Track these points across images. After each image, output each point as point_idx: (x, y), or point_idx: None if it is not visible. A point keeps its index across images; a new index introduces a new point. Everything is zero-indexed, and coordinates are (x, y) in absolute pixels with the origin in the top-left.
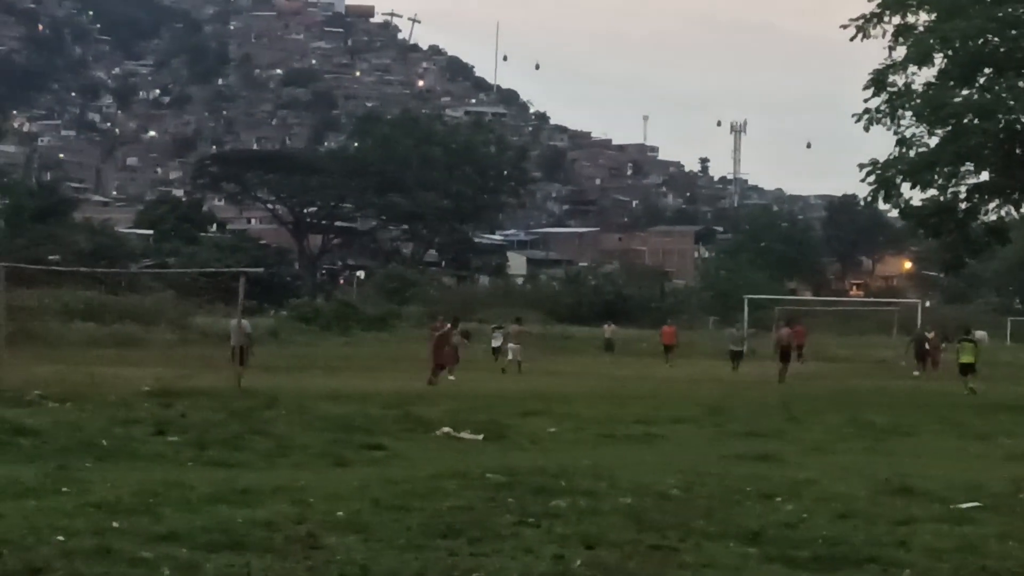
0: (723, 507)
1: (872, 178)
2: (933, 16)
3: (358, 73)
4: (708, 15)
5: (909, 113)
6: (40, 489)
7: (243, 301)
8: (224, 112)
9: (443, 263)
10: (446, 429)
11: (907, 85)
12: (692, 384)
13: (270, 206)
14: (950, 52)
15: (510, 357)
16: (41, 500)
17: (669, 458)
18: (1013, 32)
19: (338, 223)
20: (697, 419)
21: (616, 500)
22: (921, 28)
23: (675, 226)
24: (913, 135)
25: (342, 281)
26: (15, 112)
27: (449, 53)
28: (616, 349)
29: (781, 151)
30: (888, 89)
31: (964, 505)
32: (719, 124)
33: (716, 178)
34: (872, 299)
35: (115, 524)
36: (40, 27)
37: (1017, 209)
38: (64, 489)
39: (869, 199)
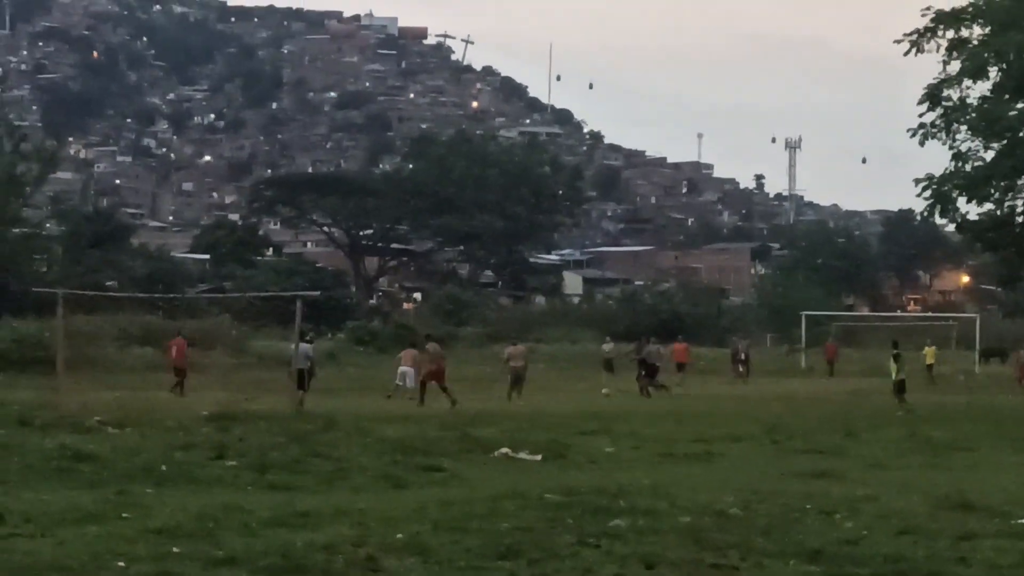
0: (783, 525)
1: (928, 193)
2: (987, 30)
3: (412, 95)
4: (760, 32)
5: (964, 127)
6: (100, 515)
7: (300, 324)
8: (279, 136)
9: (499, 284)
10: (504, 450)
11: (962, 99)
12: (749, 402)
13: (326, 229)
14: (1004, 65)
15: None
16: (102, 526)
17: (728, 476)
18: None
19: (394, 245)
20: (755, 437)
21: (675, 519)
22: (975, 42)
23: (731, 243)
24: (969, 149)
25: (408, 306)
26: (71, 139)
27: (503, 74)
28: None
29: (836, 167)
30: (943, 103)
31: None
32: (773, 140)
33: (771, 195)
34: (930, 314)
35: (175, 549)
36: (95, 54)
37: None
38: (124, 515)
39: (925, 214)
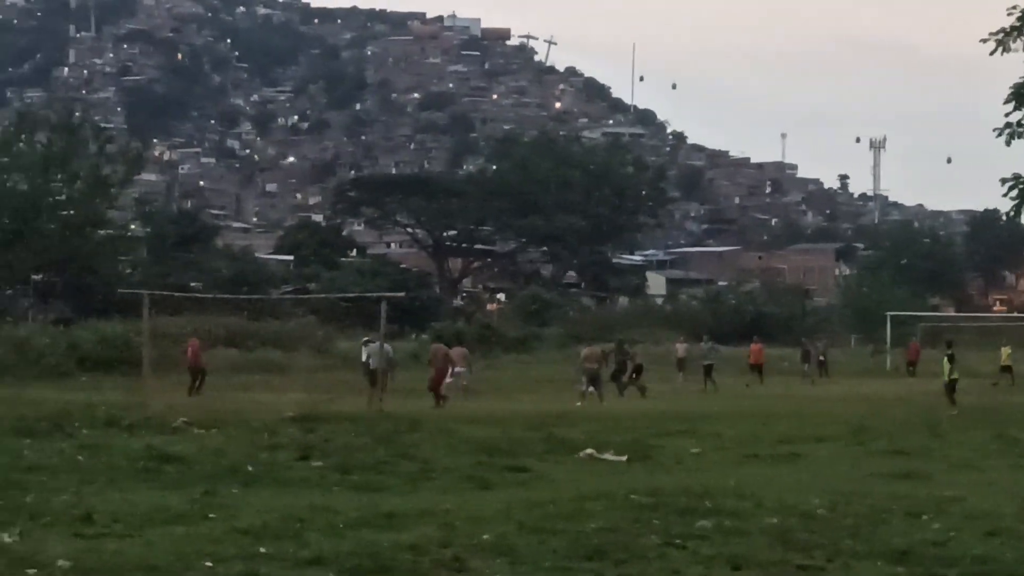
0: (870, 526)
1: (1014, 192)
2: None
3: (495, 96)
4: (842, 32)
5: None
6: (187, 515)
7: (385, 325)
8: (362, 137)
9: (582, 284)
10: (589, 450)
11: None
12: (835, 402)
13: (409, 230)
14: None
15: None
16: (189, 526)
17: (814, 477)
18: None
19: (477, 246)
20: (841, 437)
21: (762, 520)
22: None
23: (815, 244)
24: None
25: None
26: (156, 141)
27: (585, 74)
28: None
29: (921, 167)
30: None
31: None
32: (858, 141)
33: (856, 195)
34: (1016, 314)
35: (262, 549)
36: (179, 56)
37: None
38: (211, 515)
39: (1012, 213)
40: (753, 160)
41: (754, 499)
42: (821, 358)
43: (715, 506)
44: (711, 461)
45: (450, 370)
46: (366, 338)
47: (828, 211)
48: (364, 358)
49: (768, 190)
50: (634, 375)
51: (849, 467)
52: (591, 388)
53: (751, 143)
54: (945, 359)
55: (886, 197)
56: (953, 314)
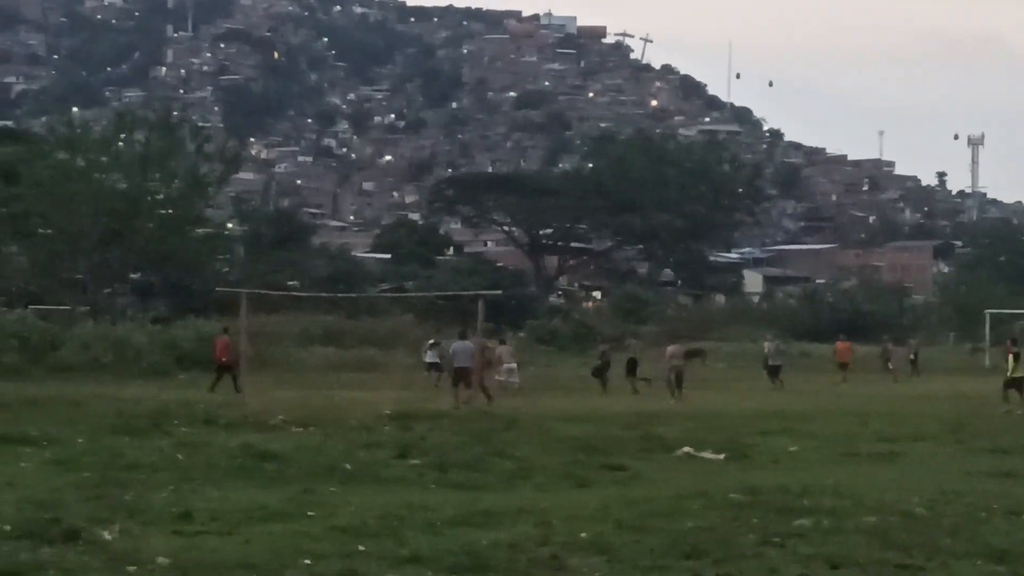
0: (969, 525)
1: None
2: None
3: (591, 94)
4: (939, 28)
5: None
6: (286, 513)
7: (482, 323)
8: (459, 135)
9: (679, 282)
10: (687, 449)
11: None
12: (932, 401)
13: (506, 228)
14: None
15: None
16: (287, 524)
17: (912, 476)
18: None
19: (573, 244)
20: (939, 436)
21: (860, 519)
22: None
23: (913, 241)
24: None
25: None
26: (253, 140)
27: (682, 72)
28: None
29: (1020, 164)
30: None
31: None
32: (956, 137)
33: (954, 192)
34: None
35: (361, 547)
36: (276, 55)
37: None
38: (309, 513)
39: None
40: (850, 157)
41: (852, 498)
42: (912, 356)
43: (813, 505)
44: (809, 459)
45: (500, 367)
46: (432, 340)
47: (926, 208)
48: (427, 359)
49: (865, 187)
50: (629, 370)
51: (948, 466)
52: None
53: (848, 140)
54: (1012, 356)
55: (984, 194)
56: None
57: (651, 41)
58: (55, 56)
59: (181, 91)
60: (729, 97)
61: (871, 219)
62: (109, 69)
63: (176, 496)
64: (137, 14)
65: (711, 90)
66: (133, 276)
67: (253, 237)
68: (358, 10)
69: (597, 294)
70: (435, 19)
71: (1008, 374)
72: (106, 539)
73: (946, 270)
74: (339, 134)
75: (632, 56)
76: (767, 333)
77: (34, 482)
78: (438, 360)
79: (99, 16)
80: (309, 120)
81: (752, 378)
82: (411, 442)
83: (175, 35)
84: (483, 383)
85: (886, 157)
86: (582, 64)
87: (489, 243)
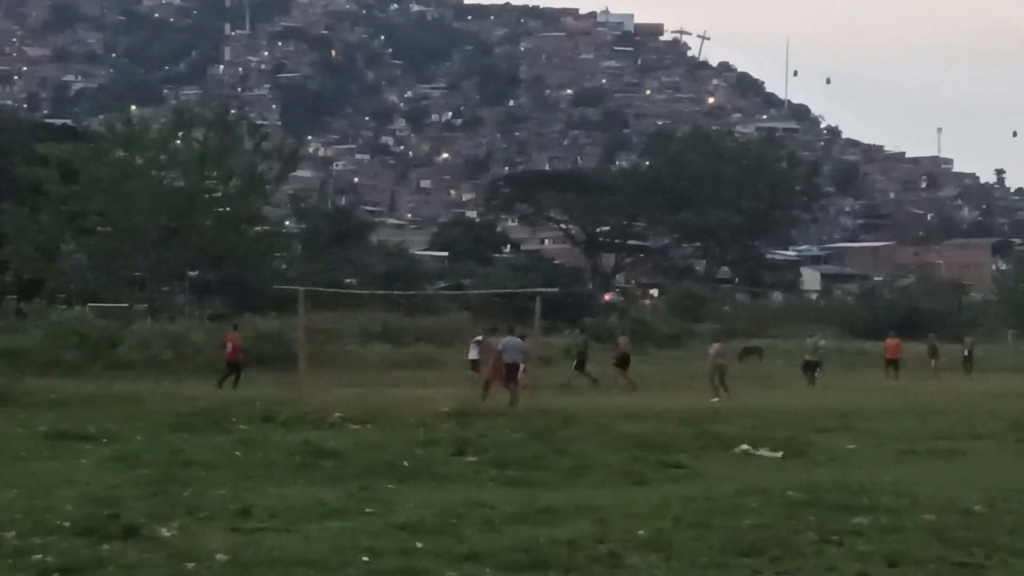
0: None
1: None
2: None
3: (648, 91)
4: (998, 24)
5: None
6: (344, 510)
7: (539, 321)
8: (516, 133)
9: (736, 280)
10: (744, 446)
11: None
12: (992, 398)
13: (563, 226)
14: None
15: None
16: (345, 521)
17: (972, 474)
18: None
19: (630, 241)
20: (999, 434)
21: (919, 517)
22: None
23: (971, 239)
24: None
25: (647, 302)
26: (310, 137)
27: (739, 69)
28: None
29: None
30: None
31: None
32: (1015, 134)
33: (1012, 189)
34: None
35: (419, 544)
36: (333, 53)
37: None
38: (368, 510)
39: None
40: (908, 154)
41: (911, 496)
42: (966, 353)
43: (872, 503)
44: (867, 457)
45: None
46: (478, 337)
47: (984, 206)
48: (473, 355)
49: (923, 185)
50: (620, 364)
51: (1009, 464)
52: (720, 383)
53: (906, 137)
54: None
55: None
56: None
57: (708, 38)
58: (113, 54)
59: (239, 89)
60: (786, 94)
61: (929, 216)
62: (167, 67)
63: (234, 493)
64: (195, 12)
65: (768, 87)
66: (191, 274)
67: (311, 235)
68: (415, 8)
69: (654, 292)
70: (492, 17)
71: None
72: (165, 536)
73: (1004, 267)
74: (396, 132)
75: (689, 53)
76: (811, 331)
77: (94, 479)
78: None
79: (157, 14)
80: (366, 118)
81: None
82: (469, 439)
83: (233, 33)
84: (490, 381)
85: (944, 154)
86: (639, 61)
87: (546, 241)
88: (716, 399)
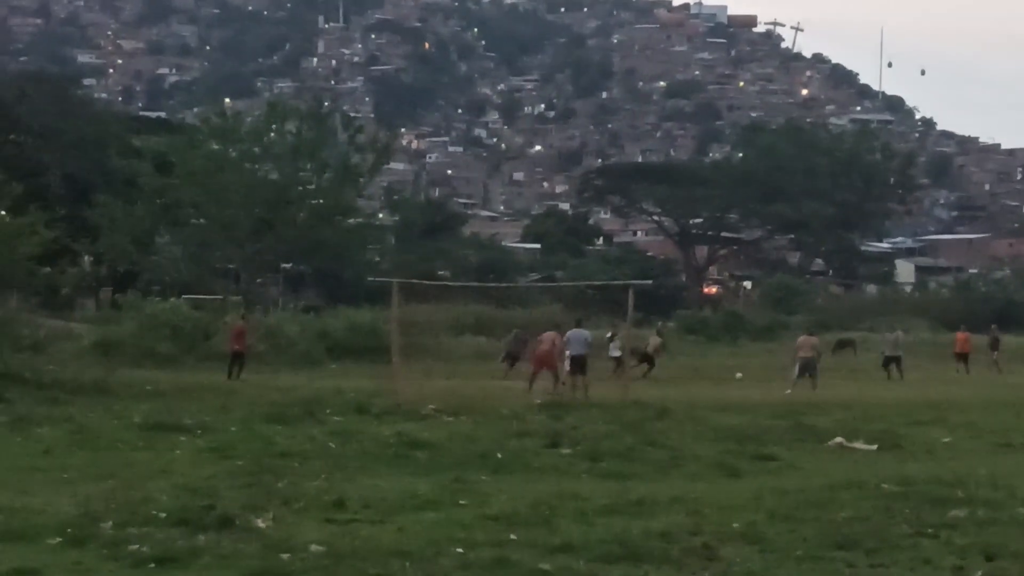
0: None
1: None
2: None
3: (741, 83)
4: None
5: None
6: (438, 501)
7: (632, 313)
8: (608, 125)
9: (829, 272)
10: (839, 439)
11: None
12: None
13: (655, 218)
14: None
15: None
16: (439, 512)
17: None
18: None
19: (724, 234)
20: None
21: (1015, 510)
22: None
23: None
24: None
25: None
26: (403, 130)
27: (833, 61)
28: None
29: None
30: None
31: None
32: None
33: None
34: None
35: (512, 536)
36: (426, 45)
37: None
38: (461, 501)
39: None
40: (1004, 146)
41: (1008, 489)
42: None
43: (967, 496)
44: (963, 450)
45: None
46: (609, 332)
47: None
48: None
49: (1019, 176)
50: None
51: None
52: (805, 375)
53: (1002, 129)
54: None
55: None
56: None
57: (802, 30)
58: (207, 47)
59: (332, 82)
60: (881, 86)
61: None
62: (260, 60)
63: (329, 484)
64: (288, 5)
65: (862, 79)
66: (284, 266)
67: (404, 227)
68: (508, 0)
69: (747, 284)
70: (585, 8)
71: None
72: (260, 526)
73: None
74: (489, 124)
75: (783, 45)
76: (893, 326)
77: (188, 470)
78: (619, 354)
79: (250, 7)
80: (459, 110)
81: (908, 368)
82: (562, 431)
83: (326, 26)
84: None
85: None
86: (732, 53)
87: (639, 233)
88: (788, 391)
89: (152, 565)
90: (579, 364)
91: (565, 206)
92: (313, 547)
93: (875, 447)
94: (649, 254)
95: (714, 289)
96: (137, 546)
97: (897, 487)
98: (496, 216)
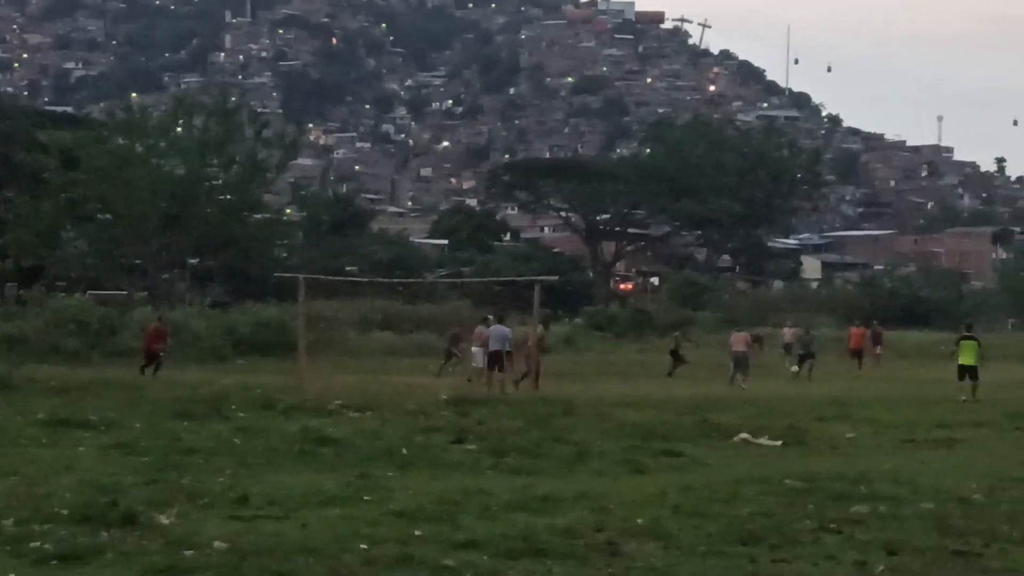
0: None
1: None
2: None
3: (649, 79)
4: (1001, 12)
5: None
6: (343, 497)
7: (539, 309)
8: (516, 121)
9: (737, 268)
10: (744, 435)
11: None
12: (991, 388)
13: (563, 214)
14: None
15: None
16: (344, 508)
17: (970, 463)
18: None
19: (631, 230)
20: (997, 423)
21: (917, 505)
22: None
23: (972, 227)
24: None
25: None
26: (311, 125)
27: (740, 57)
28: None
29: None
30: None
31: None
32: (1015, 123)
33: (1013, 178)
34: None
35: (417, 532)
36: (334, 41)
37: None
38: (366, 497)
39: None
40: (909, 143)
41: (910, 484)
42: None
43: (870, 491)
44: (866, 446)
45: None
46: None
47: (984, 194)
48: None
49: (924, 173)
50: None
51: (1007, 453)
52: (737, 374)
53: (907, 126)
54: (959, 342)
55: None
56: None
57: (709, 26)
58: (113, 42)
59: (239, 77)
60: (787, 82)
61: (930, 205)
62: (167, 55)
63: (234, 480)
64: (196, 0)
65: (769, 75)
66: (191, 261)
67: (311, 223)
68: None
69: (654, 280)
70: (493, 5)
71: (960, 361)
72: (164, 523)
73: (1005, 256)
74: (397, 120)
75: (690, 41)
76: (788, 320)
77: (93, 466)
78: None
79: (157, 2)
80: (367, 106)
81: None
82: (468, 427)
83: (233, 21)
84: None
85: (945, 143)
86: (640, 49)
87: (546, 229)
88: (744, 387)
89: (54, 562)
90: (496, 360)
91: (473, 202)
92: (217, 544)
93: (780, 443)
94: (556, 250)
95: (630, 286)
96: (39, 543)
97: (801, 483)
98: (404, 212)
